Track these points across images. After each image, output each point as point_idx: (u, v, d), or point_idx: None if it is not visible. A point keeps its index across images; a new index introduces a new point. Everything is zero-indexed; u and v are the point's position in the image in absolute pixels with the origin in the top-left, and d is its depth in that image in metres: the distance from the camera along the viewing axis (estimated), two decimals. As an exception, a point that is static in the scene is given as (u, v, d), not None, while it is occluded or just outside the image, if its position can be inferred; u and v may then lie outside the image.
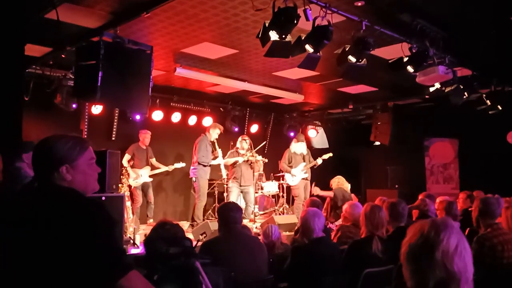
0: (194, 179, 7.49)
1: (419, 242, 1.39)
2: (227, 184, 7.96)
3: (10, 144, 4.11)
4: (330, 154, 8.46)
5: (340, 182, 7.42)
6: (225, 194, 8.12)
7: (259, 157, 8.36)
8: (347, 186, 7.43)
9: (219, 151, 7.83)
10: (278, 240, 4.18)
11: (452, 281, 1.33)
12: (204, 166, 7.44)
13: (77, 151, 1.71)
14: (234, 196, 7.66)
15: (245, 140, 7.89)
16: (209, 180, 8.18)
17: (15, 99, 4.40)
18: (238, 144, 7.95)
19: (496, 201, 3.68)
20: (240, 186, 7.75)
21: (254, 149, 7.98)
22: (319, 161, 8.30)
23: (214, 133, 7.68)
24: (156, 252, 1.79)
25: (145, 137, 7.77)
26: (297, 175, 8.20)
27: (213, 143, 7.73)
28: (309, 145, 9.39)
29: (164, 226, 2.17)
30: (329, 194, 7.48)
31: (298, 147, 8.30)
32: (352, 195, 8.67)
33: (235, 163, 7.79)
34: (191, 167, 7.57)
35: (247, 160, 7.93)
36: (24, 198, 1.70)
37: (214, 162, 7.73)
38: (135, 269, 1.59)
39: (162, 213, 8.63)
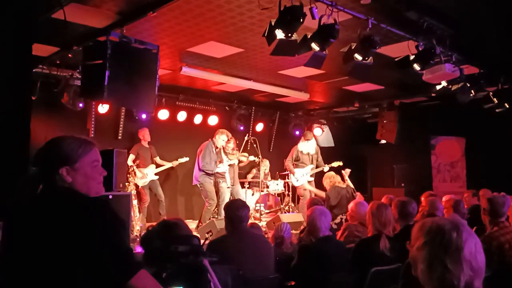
0: (199, 185, 7.34)
1: (445, 244, 1.41)
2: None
3: (18, 144, 4.14)
4: (340, 163, 8.20)
5: (332, 181, 7.20)
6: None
7: (252, 157, 8.33)
8: (339, 179, 7.21)
9: (225, 159, 7.60)
10: (289, 239, 4.17)
11: (476, 276, 1.40)
12: (208, 174, 7.28)
13: (79, 153, 1.66)
14: (227, 195, 7.60)
15: (231, 140, 7.79)
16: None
17: (23, 99, 4.42)
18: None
19: (503, 200, 3.67)
20: (232, 185, 7.73)
21: (241, 149, 8.03)
22: (326, 168, 8.11)
23: (220, 140, 7.47)
24: (160, 250, 1.80)
25: (145, 133, 7.74)
26: (300, 179, 8.12)
27: (219, 149, 7.54)
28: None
29: (163, 225, 2.18)
30: (321, 194, 7.38)
31: (306, 146, 8.18)
32: (358, 193, 8.62)
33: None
34: (195, 174, 7.41)
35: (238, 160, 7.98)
36: (29, 200, 1.67)
37: (218, 170, 7.51)
38: (144, 268, 1.58)
39: (172, 211, 8.65)
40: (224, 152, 7.76)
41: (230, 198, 7.58)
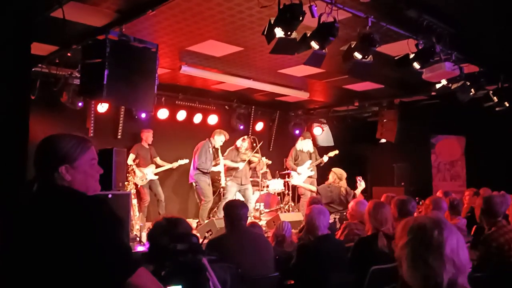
0: (194, 184, 7.39)
1: (426, 242, 1.42)
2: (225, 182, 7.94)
3: (17, 143, 4.13)
4: (336, 152, 8.45)
5: (333, 178, 7.33)
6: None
7: (264, 158, 8.36)
8: (343, 183, 7.35)
9: (222, 159, 7.67)
10: (289, 237, 4.18)
11: (460, 273, 1.41)
12: (204, 173, 7.34)
13: (78, 151, 1.67)
14: (231, 194, 7.61)
15: (246, 140, 7.88)
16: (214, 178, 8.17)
17: (22, 98, 4.41)
18: (238, 143, 7.94)
19: (500, 199, 3.64)
20: (241, 184, 7.74)
21: (254, 149, 8.02)
22: (325, 158, 8.30)
23: (219, 140, 7.52)
24: (163, 247, 1.80)
25: (148, 135, 7.75)
26: (303, 173, 8.20)
27: (216, 149, 7.59)
28: (315, 143, 9.38)
29: (169, 221, 2.19)
30: (311, 188, 7.56)
31: (304, 145, 8.31)
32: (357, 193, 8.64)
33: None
34: (190, 172, 7.46)
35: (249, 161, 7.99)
36: (25, 200, 1.67)
37: (214, 169, 7.56)
38: (142, 266, 1.58)
39: (172, 210, 8.63)
40: (237, 151, 7.78)
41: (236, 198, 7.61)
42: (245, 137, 8.00)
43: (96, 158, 1.74)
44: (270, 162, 8.78)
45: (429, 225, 1.44)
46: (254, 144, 8.13)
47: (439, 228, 1.43)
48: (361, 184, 7.43)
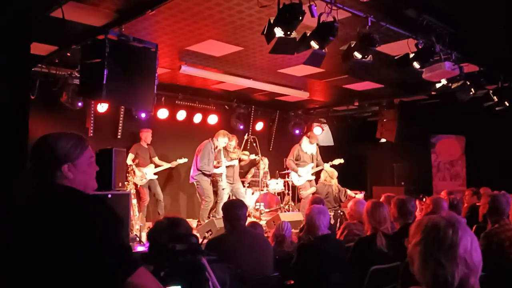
0: (196, 184, 7.35)
1: (439, 241, 1.43)
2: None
3: (17, 143, 4.13)
4: (341, 161, 8.30)
5: (325, 177, 7.72)
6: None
7: (253, 156, 8.35)
8: (335, 181, 7.65)
9: (224, 161, 7.59)
10: (289, 237, 4.18)
11: (472, 273, 1.41)
12: (205, 174, 7.29)
13: (79, 150, 1.69)
14: (226, 195, 7.59)
15: (233, 138, 7.84)
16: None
17: (21, 98, 4.42)
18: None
19: (506, 198, 3.66)
20: (232, 183, 7.72)
21: (251, 148, 8.07)
22: (327, 166, 8.13)
23: (222, 142, 7.44)
24: (162, 248, 1.80)
25: (147, 135, 7.74)
26: (303, 176, 8.13)
27: (219, 151, 7.54)
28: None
29: (171, 221, 2.19)
30: (312, 190, 7.73)
31: (309, 147, 8.18)
32: (356, 192, 8.69)
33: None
34: (191, 172, 7.41)
35: (239, 159, 8.00)
36: (24, 198, 1.66)
37: (216, 171, 7.48)
38: (142, 266, 1.58)
39: (171, 211, 8.63)
40: (226, 150, 7.74)
41: (230, 197, 7.59)
42: (232, 136, 7.91)
43: (93, 156, 1.77)
44: (257, 157, 8.63)
45: (443, 224, 1.45)
46: (254, 144, 8.12)
47: (454, 227, 1.44)
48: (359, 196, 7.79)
